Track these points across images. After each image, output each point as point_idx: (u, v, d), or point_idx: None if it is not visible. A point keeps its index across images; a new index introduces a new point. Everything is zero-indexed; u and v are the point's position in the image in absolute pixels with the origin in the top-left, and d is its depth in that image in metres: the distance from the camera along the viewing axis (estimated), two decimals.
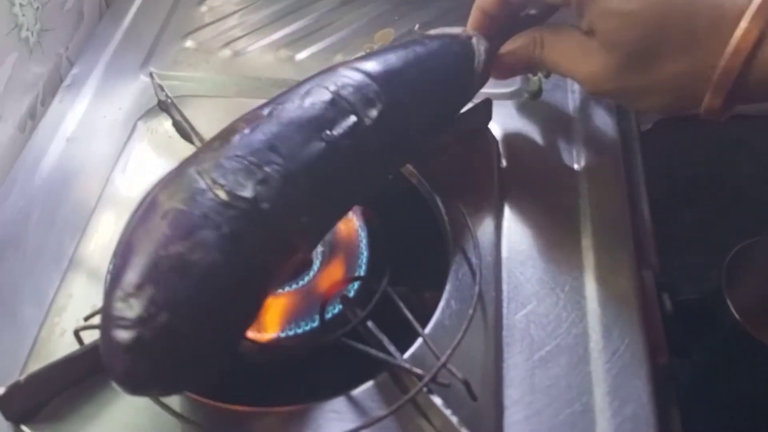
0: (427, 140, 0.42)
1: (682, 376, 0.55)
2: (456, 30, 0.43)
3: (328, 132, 0.33)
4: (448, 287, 0.40)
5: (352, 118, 0.34)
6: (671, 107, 0.38)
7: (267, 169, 0.31)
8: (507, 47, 0.42)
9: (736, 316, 0.47)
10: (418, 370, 0.34)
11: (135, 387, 0.29)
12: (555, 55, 0.40)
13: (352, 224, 0.44)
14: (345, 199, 0.37)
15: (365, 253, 0.42)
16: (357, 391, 0.35)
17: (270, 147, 0.32)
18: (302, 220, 0.32)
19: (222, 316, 0.29)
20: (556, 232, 0.43)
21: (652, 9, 0.34)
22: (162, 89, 0.49)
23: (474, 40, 0.42)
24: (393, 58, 0.38)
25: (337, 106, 0.34)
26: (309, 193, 0.32)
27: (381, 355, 0.35)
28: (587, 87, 0.39)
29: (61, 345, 0.37)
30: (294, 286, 0.41)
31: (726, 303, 0.47)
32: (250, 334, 0.39)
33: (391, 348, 0.35)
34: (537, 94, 0.50)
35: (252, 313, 0.32)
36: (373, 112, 0.35)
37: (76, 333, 0.36)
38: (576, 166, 0.46)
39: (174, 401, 0.35)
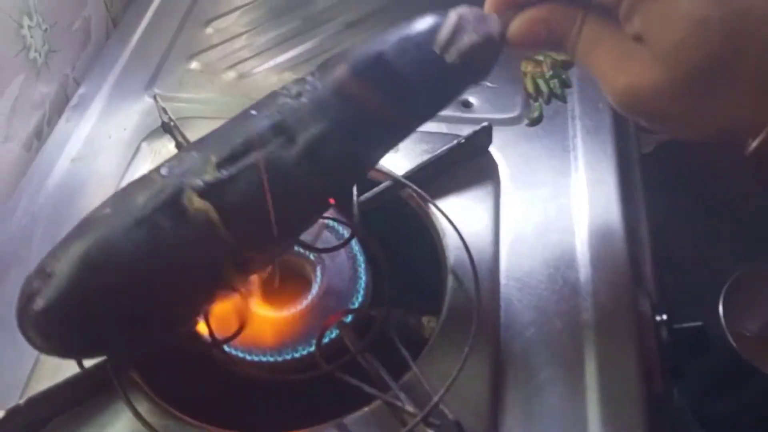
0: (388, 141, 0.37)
1: (676, 397, 0.55)
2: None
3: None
4: (444, 313, 0.40)
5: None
6: (717, 139, 0.32)
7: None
8: (540, 13, 0.34)
9: (731, 341, 0.47)
10: (410, 408, 0.34)
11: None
12: (589, 49, 0.32)
13: (349, 247, 0.44)
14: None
15: (363, 278, 0.43)
16: (350, 419, 0.35)
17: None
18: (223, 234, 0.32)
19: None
20: (554, 258, 0.43)
21: (733, 21, 0.28)
22: (165, 112, 0.50)
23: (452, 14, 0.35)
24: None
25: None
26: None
27: (374, 391, 0.35)
28: (620, 101, 0.32)
29: (61, 367, 0.38)
30: (292, 309, 0.42)
31: (722, 328, 0.47)
32: (246, 356, 0.39)
33: (387, 378, 0.36)
34: (537, 120, 0.50)
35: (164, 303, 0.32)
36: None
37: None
38: (575, 191, 0.46)
39: (168, 426, 0.35)
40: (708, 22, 0.28)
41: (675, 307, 0.46)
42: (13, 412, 0.34)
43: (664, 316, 0.41)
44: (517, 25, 0.34)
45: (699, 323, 0.42)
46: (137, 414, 0.34)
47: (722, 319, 0.48)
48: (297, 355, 0.40)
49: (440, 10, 0.37)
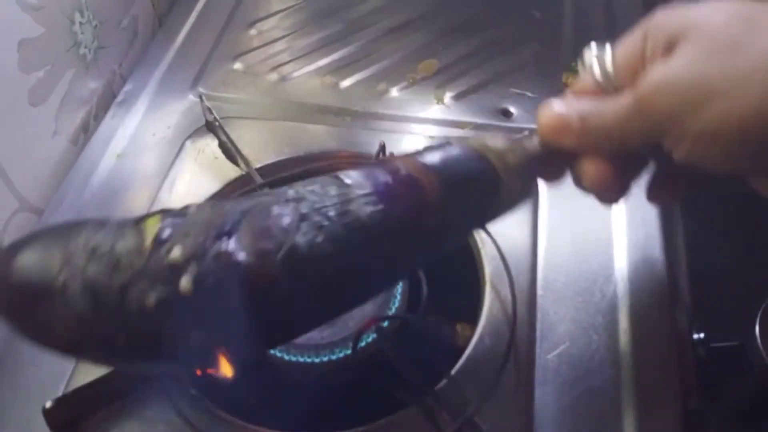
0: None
1: (713, 419, 0.54)
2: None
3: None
4: (482, 323, 0.40)
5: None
6: None
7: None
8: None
9: None
10: (447, 415, 0.34)
11: None
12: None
13: None
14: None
15: (400, 283, 0.43)
16: (384, 422, 0.36)
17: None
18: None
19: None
20: (591, 271, 0.43)
21: None
22: (210, 111, 0.51)
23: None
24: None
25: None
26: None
27: (413, 393, 0.36)
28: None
29: None
30: None
31: (759, 348, 0.47)
32: (283, 356, 0.40)
33: (424, 385, 0.36)
34: None
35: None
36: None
37: None
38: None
39: (207, 422, 0.36)
40: None
41: (711, 325, 0.45)
42: (59, 402, 0.35)
43: (702, 335, 0.41)
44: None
45: (737, 342, 0.41)
46: (179, 411, 0.35)
47: (759, 341, 0.48)
48: (334, 357, 0.40)
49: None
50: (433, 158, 0.33)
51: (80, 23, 0.53)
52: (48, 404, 0.35)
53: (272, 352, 0.40)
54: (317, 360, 0.40)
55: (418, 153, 0.34)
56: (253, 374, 0.41)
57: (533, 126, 0.51)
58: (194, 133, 0.53)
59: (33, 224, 0.49)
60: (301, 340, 0.41)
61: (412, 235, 0.31)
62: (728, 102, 0.27)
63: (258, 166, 0.49)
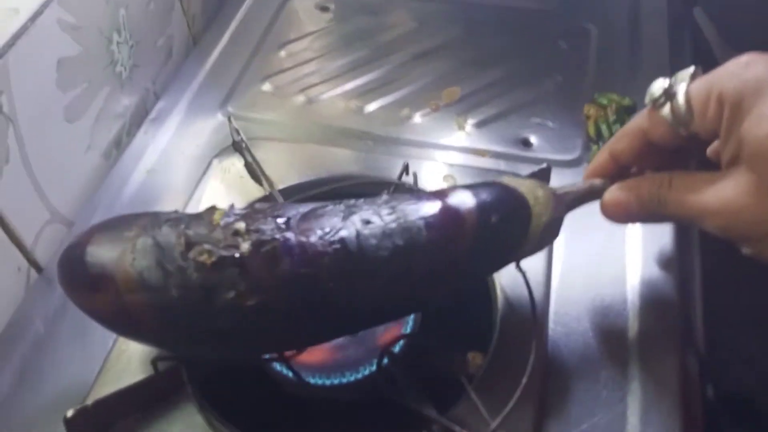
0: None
1: None
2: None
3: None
4: (495, 348, 0.41)
5: None
6: None
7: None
8: (628, 185, 0.37)
9: None
10: None
11: None
12: (682, 194, 0.35)
13: None
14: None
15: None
16: None
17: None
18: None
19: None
20: (603, 306, 0.43)
21: None
22: (238, 132, 0.52)
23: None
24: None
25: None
26: None
27: (432, 414, 0.37)
28: (716, 222, 0.33)
29: (126, 372, 0.40)
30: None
31: None
32: (303, 375, 0.41)
33: (433, 411, 0.37)
34: None
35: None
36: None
37: (154, 362, 0.39)
38: (630, 239, 0.47)
39: None
40: None
41: (725, 366, 0.45)
42: (80, 413, 0.36)
43: (711, 382, 0.41)
44: (608, 196, 0.38)
45: (747, 388, 0.41)
46: (209, 421, 0.37)
47: None
48: (344, 380, 0.41)
49: None
50: (481, 195, 0.37)
51: (117, 42, 0.55)
52: (69, 413, 0.36)
53: (284, 371, 0.42)
54: (328, 383, 0.42)
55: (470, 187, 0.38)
56: (264, 392, 0.42)
57: (551, 157, 0.53)
58: (221, 152, 0.54)
59: (63, 236, 0.51)
60: (315, 359, 0.43)
61: (444, 258, 0.35)
62: None
63: (281, 187, 0.50)
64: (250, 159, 0.52)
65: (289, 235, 0.33)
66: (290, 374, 0.41)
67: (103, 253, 0.34)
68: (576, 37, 0.63)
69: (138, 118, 0.59)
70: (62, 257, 0.36)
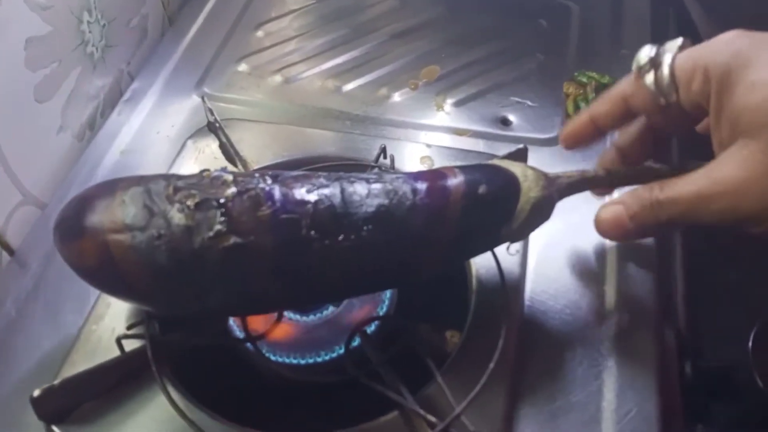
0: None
1: None
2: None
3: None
4: (467, 329, 0.40)
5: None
6: None
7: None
8: (620, 199, 0.37)
9: (761, 384, 0.46)
10: (432, 418, 0.35)
11: None
12: (675, 189, 0.34)
13: None
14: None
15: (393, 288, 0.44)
16: (367, 426, 0.36)
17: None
18: None
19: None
20: (581, 284, 0.43)
21: None
22: (212, 112, 0.51)
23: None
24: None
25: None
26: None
27: (397, 398, 0.36)
28: (721, 204, 0.32)
29: (96, 352, 0.40)
30: (318, 315, 0.43)
31: (751, 370, 0.46)
32: (270, 356, 0.41)
33: (404, 392, 0.36)
34: None
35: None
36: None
37: (118, 341, 0.38)
38: None
39: (198, 418, 0.36)
40: None
41: (705, 345, 0.45)
42: (47, 392, 0.36)
43: (690, 355, 0.41)
44: (601, 211, 0.38)
45: (725, 363, 0.41)
46: (171, 400, 0.36)
47: (751, 362, 0.47)
48: (319, 359, 0.41)
49: None
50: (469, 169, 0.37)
51: (88, 22, 0.54)
52: (36, 393, 0.35)
53: (261, 350, 0.41)
54: (302, 362, 0.41)
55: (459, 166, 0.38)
56: (238, 373, 0.42)
57: (530, 135, 0.52)
58: (196, 133, 0.53)
59: (36, 217, 0.50)
60: (290, 339, 0.42)
61: (429, 224, 0.35)
62: None
63: (256, 167, 0.49)
64: (224, 139, 0.51)
65: (275, 185, 0.34)
66: (264, 355, 0.41)
67: (95, 202, 0.34)
68: (557, 15, 0.63)
69: (112, 99, 0.58)
70: (58, 215, 0.36)
